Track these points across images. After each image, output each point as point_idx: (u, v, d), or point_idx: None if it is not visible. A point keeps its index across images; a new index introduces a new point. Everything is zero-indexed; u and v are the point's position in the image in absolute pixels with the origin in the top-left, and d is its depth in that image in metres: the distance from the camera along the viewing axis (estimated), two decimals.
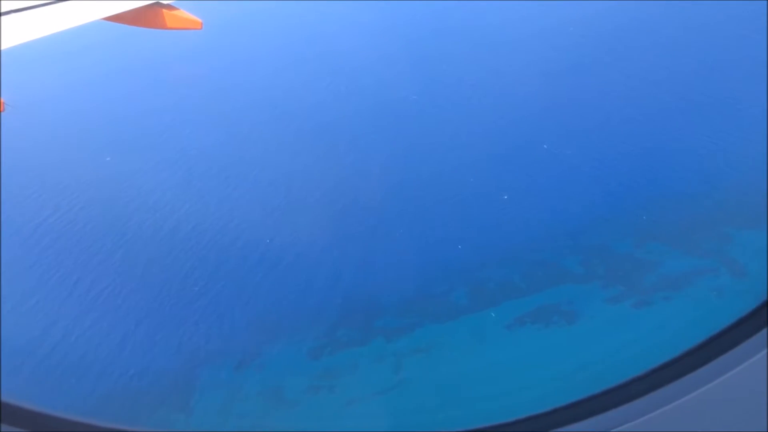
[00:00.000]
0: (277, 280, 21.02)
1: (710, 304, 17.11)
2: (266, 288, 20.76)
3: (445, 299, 19.13)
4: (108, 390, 17.40)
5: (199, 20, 9.68)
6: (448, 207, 23.51)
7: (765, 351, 2.23)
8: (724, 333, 2.38)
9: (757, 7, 31.08)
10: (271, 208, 24.10)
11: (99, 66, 37.04)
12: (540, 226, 22.07)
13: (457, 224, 22.69)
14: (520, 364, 15.86)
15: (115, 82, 35.79)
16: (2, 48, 7.12)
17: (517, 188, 24.31)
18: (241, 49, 39.29)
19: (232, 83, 35.11)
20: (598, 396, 2.47)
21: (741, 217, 21.17)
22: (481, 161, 25.33)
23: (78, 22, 8.15)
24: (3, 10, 7.32)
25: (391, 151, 25.65)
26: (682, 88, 26.93)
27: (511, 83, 30.78)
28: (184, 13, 9.56)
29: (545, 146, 26.69)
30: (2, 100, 8.40)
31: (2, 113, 8.60)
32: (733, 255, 19.59)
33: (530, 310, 17.95)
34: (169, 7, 9.45)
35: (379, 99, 31.00)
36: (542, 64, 31.87)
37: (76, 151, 30.76)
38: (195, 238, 24.21)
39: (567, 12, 36.86)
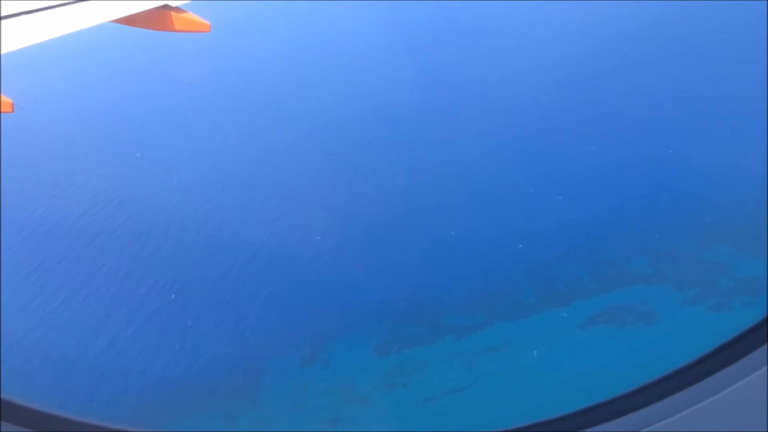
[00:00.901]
0: (334, 277, 20.84)
1: None
2: (324, 285, 20.57)
3: (512, 298, 18.87)
4: (172, 383, 17.24)
5: (207, 23, 9.72)
6: (503, 207, 23.26)
7: (765, 368, 2.22)
8: (723, 348, 2.39)
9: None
10: (319, 205, 23.89)
11: (108, 67, 37.29)
12: (600, 227, 21.76)
13: (513, 224, 22.40)
14: (598, 364, 15.52)
15: (123, 83, 36.03)
16: (11, 50, 7.18)
17: (572, 189, 24.02)
18: (249, 51, 39.45)
19: (240, 85, 35.15)
20: (603, 403, 2.50)
21: None
22: (534, 163, 25.08)
23: (87, 24, 8.24)
24: (12, 12, 7.39)
25: (443, 150, 25.46)
26: (744, 90, 26.60)
27: (553, 84, 30.55)
28: (192, 16, 9.61)
29: (592, 148, 26.39)
30: (11, 101, 8.32)
31: (12, 114, 8.61)
32: None
33: (602, 311, 17.63)
34: (177, 9, 9.50)
35: (410, 99, 30.84)
36: (587, 63, 31.70)
37: (89, 151, 30.76)
38: (240, 236, 24.01)
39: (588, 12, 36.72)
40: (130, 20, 9.10)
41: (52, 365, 19.47)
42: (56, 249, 25.82)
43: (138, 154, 31.36)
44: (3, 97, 8.25)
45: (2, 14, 7.29)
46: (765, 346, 2.27)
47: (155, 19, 9.38)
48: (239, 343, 18.58)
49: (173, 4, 9.46)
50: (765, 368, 2.22)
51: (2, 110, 8.26)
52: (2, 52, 7.13)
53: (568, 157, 25.61)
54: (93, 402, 17.22)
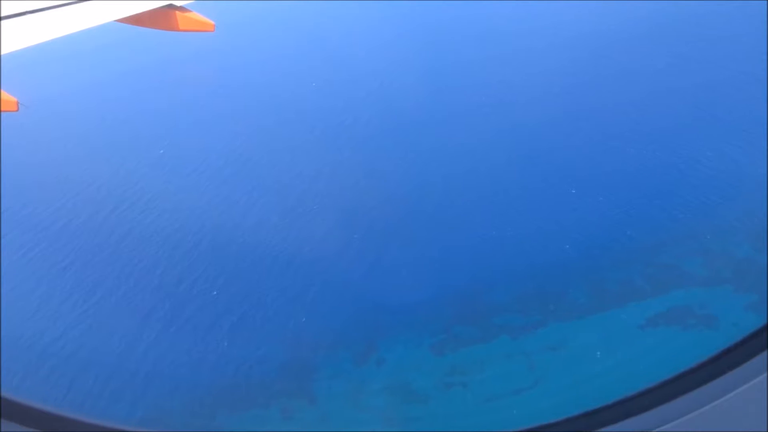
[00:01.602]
0: (379, 276, 20.72)
1: None
2: (369, 284, 20.46)
3: (564, 298, 18.75)
4: (223, 380, 17.20)
5: (212, 22, 9.79)
6: (544, 207, 23.10)
7: (766, 373, 2.23)
8: (724, 353, 2.43)
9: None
10: (364, 204, 23.76)
11: (112, 67, 37.20)
12: (648, 228, 21.54)
13: (556, 225, 22.22)
14: (668, 366, 15.26)
15: (127, 83, 36.15)
16: (16, 49, 7.29)
17: (613, 190, 23.80)
18: (254, 51, 39.48)
19: (245, 85, 35.22)
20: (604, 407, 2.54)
21: None
22: (581, 166, 24.89)
23: (92, 24, 8.32)
24: (16, 11, 7.48)
25: (487, 151, 25.36)
26: None
27: (593, 84, 30.39)
28: (197, 15, 9.69)
29: (631, 150, 26.18)
30: (16, 100, 8.31)
31: (18, 113, 8.68)
32: None
33: (661, 312, 17.42)
34: (181, 9, 9.58)
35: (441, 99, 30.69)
36: (624, 62, 31.53)
37: (104, 150, 30.76)
38: (279, 235, 23.85)
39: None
40: (135, 20, 9.22)
41: (94, 364, 19.39)
42: (88, 246, 25.83)
43: (161, 151, 31.53)
44: (6, 95, 8.30)
45: (6, 14, 7.40)
46: (766, 352, 2.29)
47: (160, 19, 9.48)
48: (287, 341, 18.52)
49: (177, 3, 9.55)
50: (765, 374, 2.23)
51: (7, 109, 8.30)
52: (7, 52, 7.24)
53: (610, 159, 25.43)
54: (141, 400, 17.19)
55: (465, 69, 31.65)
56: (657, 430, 2.28)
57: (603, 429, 2.42)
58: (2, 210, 26.57)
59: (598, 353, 15.94)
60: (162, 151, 31.50)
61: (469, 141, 25.42)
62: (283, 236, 23.24)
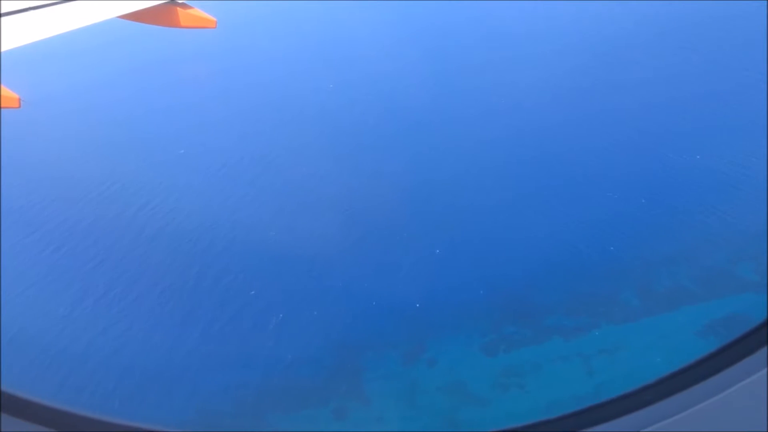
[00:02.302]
0: (422, 276, 20.47)
1: None
2: (412, 284, 20.19)
3: (614, 300, 18.43)
4: (272, 381, 16.99)
5: (214, 19, 9.83)
6: (593, 209, 22.80)
7: (765, 369, 2.25)
8: (724, 350, 2.41)
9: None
10: (409, 204, 23.50)
11: (113, 64, 37.35)
12: (699, 231, 21.22)
13: (599, 227, 21.94)
14: None
15: (129, 80, 36.23)
16: (18, 45, 7.30)
17: (657, 193, 23.51)
18: (256, 49, 39.54)
19: (246, 82, 35.20)
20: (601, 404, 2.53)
21: None
22: (623, 168, 24.59)
23: (93, 20, 8.35)
24: (19, 8, 7.48)
25: (530, 153, 25.14)
26: None
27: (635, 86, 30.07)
28: (199, 12, 9.72)
29: (669, 155, 25.85)
30: (18, 97, 8.32)
31: (21, 110, 8.64)
32: None
33: (718, 318, 17.07)
34: (183, 5, 9.62)
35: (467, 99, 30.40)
36: (667, 66, 31.25)
37: (116, 148, 30.35)
38: (319, 234, 23.54)
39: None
40: (137, 16, 9.23)
41: (138, 365, 19.08)
42: (120, 243, 25.62)
43: (182, 151, 31.37)
44: (8, 91, 8.23)
45: (7, 10, 7.39)
46: (765, 348, 2.31)
47: (161, 15, 9.49)
48: (334, 342, 18.29)
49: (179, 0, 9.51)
50: (765, 370, 2.25)
51: (9, 105, 8.26)
52: (8, 48, 7.22)
53: (655, 162, 25.09)
54: (193, 398, 16.95)
55: (508, 68, 31.47)
56: (654, 428, 2.27)
57: (600, 427, 2.42)
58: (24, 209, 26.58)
59: (659, 359, 15.58)
60: (183, 151, 31.40)
61: (516, 141, 25.23)
62: (324, 235, 22.98)
